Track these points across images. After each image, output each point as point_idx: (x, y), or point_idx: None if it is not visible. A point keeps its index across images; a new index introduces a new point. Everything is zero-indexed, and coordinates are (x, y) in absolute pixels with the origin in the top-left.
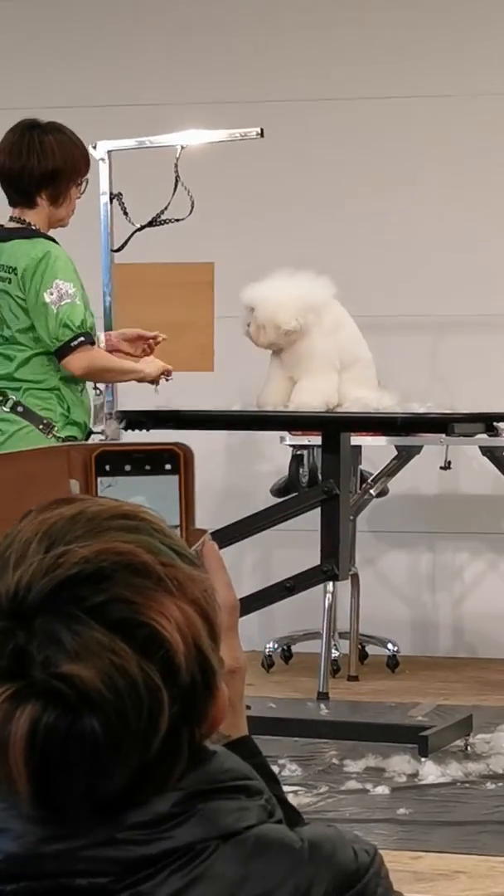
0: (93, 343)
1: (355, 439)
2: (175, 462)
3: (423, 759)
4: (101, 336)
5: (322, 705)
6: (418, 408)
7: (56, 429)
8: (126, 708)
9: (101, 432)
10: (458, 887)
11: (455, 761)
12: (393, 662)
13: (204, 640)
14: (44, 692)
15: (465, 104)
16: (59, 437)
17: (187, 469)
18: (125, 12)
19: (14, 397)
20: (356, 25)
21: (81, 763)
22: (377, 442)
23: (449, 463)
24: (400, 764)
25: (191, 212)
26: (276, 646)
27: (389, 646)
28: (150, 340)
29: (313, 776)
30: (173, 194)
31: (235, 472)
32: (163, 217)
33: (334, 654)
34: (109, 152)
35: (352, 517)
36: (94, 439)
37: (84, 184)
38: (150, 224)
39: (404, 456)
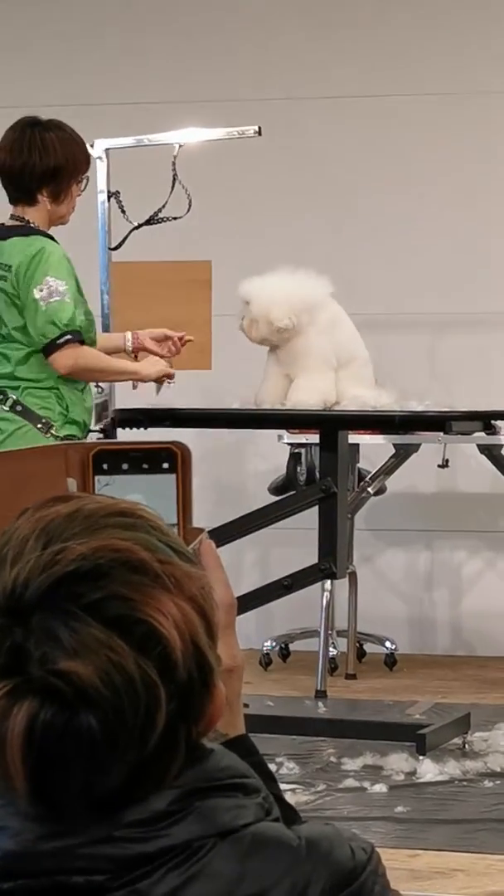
0: (82, 342)
1: (353, 437)
2: (172, 461)
3: (420, 758)
4: (128, 335)
5: (320, 703)
6: (416, 406)
7: (55, 428)
8: (123, 705)
9: (101, 430)
10: (456, 885)
11: (453, 759)
12: (391, 660)
13: (201, 638)
14: (41, 689)
15: (466, 103)
16: (57, 437)
17: (185, 468)
18: (124, 11)
19: (13, 396)
20: (354, 24)
21: (78, 760)
22: (375, 440)
23: (447, 461)
24: (398, 762)
25: (188, 210)
26: (274, 644)
27: (387, 644)
28: (177, 340)
29: (311, 774)
30: (171, 192)
31: (233, 471)
32: (160, 215)
33: (332, 652)
34: (107, 150)
35: (349, 515)
36: (93, 438)
37: (85, 181)
38: (148, 222)
39: (402, 454)
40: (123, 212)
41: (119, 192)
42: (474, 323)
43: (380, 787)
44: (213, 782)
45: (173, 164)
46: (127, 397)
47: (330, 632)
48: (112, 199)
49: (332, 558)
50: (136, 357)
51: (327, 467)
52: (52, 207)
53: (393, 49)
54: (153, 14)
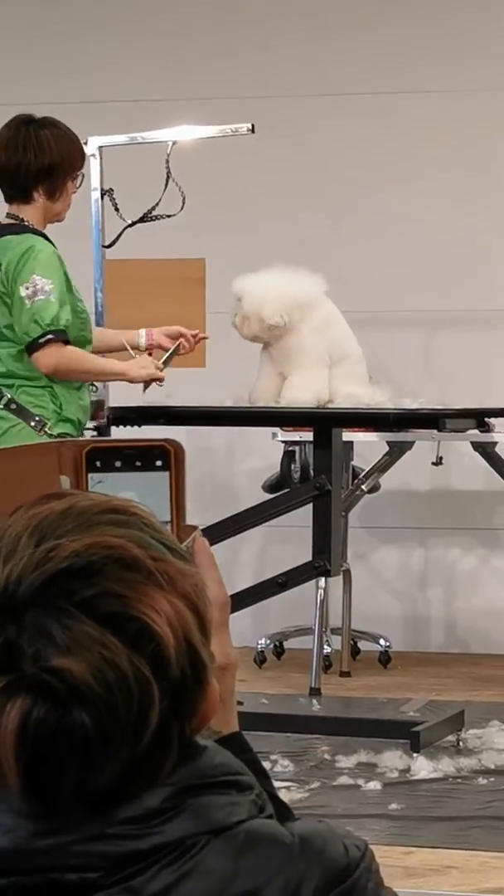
0: (66, 342)
1: (347, 435)
2: (166, 458)
3: (414, 755)
4: (142, 332)
5: (314, 701)
6: (410, 404)
7: (48, 426)
8: (116, 702)
9: (95, 428)
10: (450, 882)
11: (447, 757)
12: (385, 658)
13: (194, 635)
14: (34, 686)
15: (461, 100)
16: (51, 434)
17: (178, 465)
18: (118, 9)
19: (8, 394)
20: (349, 21)
21: (72, 757)
22: (369, 438)
23: (440, 459)
24: (392, 759)
25: (182, 207)
26: (268, 642)
27: (381, 641)
28: (191, 337)
29: (305, 772)
30: (164, 190)
31: (227, 468)
32: (154, 213)
33: (326, 649)
34: (100, 148)
35: (343, 513)
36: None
37: (80, 178)
38: (142, 220)
39: (396, 452)
40: (117, 209)
41: (112, 190)
42: (468, 320)
43: (374, 785)
44: (206, 779)
45: (167, 161)
46: (121, 395)
47: (324, 629)
48: (105, 197)
49: (326, 556)
50: (150, 354)
51: (321, 465)
52: (47, 205)
53: (391, 47)
54: (148, 12)
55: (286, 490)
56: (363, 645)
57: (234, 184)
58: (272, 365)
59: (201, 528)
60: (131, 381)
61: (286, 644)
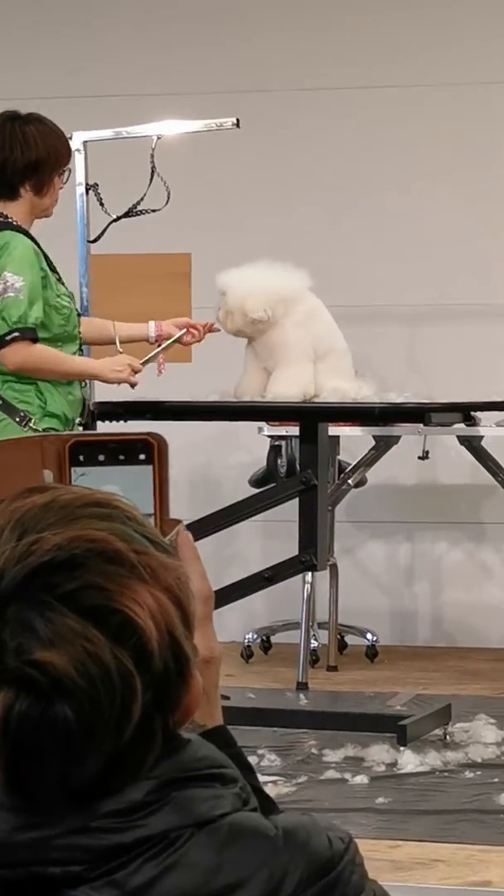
0: (34, 339)
1: (333, 429)
2: (149, 452)
3: (401, 749)
4: (151, 325)
5: (301, 695)
6: (396, 398)
7: (33, 421)
8: (99, 695)
9: (80, 424)
10: (437, 876)
11: (434, 750)
12: (372, 652)
13: (177, 628)
14: (16, 679)
15: (443, 95)
16: (36, 430)
17: (161, 459)
18: (104, 5)
19: None
20: (335, 15)
21: (54, 750)
22: (355, 432)
23: (427, 453)
24: (379, 753)
25: (167, 202)
26: (255, 636)
27: (368, 636)
28: (201, 327)
29: (292, 766)
30: (149, 185)
31: (214, 463)
32: (139, 208)
33: (313, 644)
34: (85, 143)
35: (330, 507)
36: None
37: (67, 173)
38: (127, 215)
39: (382, 446)
40: (102, 204)
41: (97, 185)
42: (454, 314)
43: (361, 779)
44: (190, 773)
45: (151, 156)
46: (107, 390)
47: (311, 624)
48: (90, 192)
49: (312, 550)
50: (159, 346)
51: (307, 459)
52: (34, 201)
53: (372, 39)
54: (132, 6)
55: (272, 485)
56: (350, 639)
57: (220, 178)
58: (257, 360)
59: (187, 522)
60: (104, 381)
61: (273, 638)
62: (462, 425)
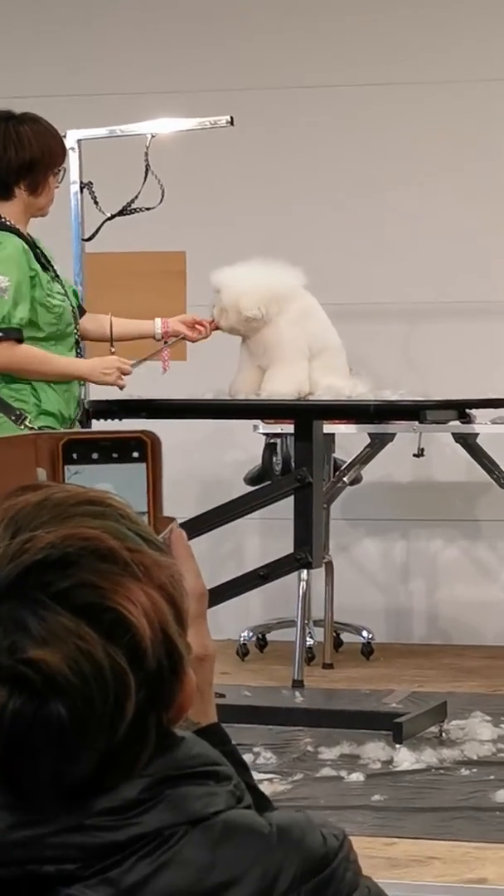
0: (19, 340)
1: (328, 427)
2: (142, 450)
3: (397, 746)
4: (157, 322)
5: (297, 693)
6: (391, 395)
7: (28, 419)
8: (92, 693)
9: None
10: (433, 873)
11: (429, 748)
12: (367, 650)
13: (170, 626)
14: (10, 678)
15: (439, 92)
16: (31, 428)
17: (154, 456)
18: (99, 3)
19: None
20: (328, 14)
21: (48, 748)
22: (350, 430)
23: (422, 450)
24: (374, 751)
25: (161, 200)
26: (250, 634)
27: (364, 633)
28: (207, 323)
29: (288, 764)
30: (143, 183)
31: (209, 461)
32: (133, 206)
33: (309, 641)
34: (79, 141)
35: (325, 505)
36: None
37: (62, 172)
38: (121, 213)
39: (377, 443)
40: (96, 203)
41: (92, 183)
42: (449, 312)
43: (356, 776)
44: (183, 770)
45: (146, 154)
46: (102, 388)
47: (307, 621)
48: (85, 190)
49: (308, 548)
50: (165, 342)
51: (302, 457)
52: (29, 200)
53: (366, 37)
54: (127, 6)
55: (268, 482)
56: (346, 637)
57: (214, 177)
58: (251, 358)
59: (184, 520)
60: (93, 382)
61: (269, 636)
62: (457, 422)
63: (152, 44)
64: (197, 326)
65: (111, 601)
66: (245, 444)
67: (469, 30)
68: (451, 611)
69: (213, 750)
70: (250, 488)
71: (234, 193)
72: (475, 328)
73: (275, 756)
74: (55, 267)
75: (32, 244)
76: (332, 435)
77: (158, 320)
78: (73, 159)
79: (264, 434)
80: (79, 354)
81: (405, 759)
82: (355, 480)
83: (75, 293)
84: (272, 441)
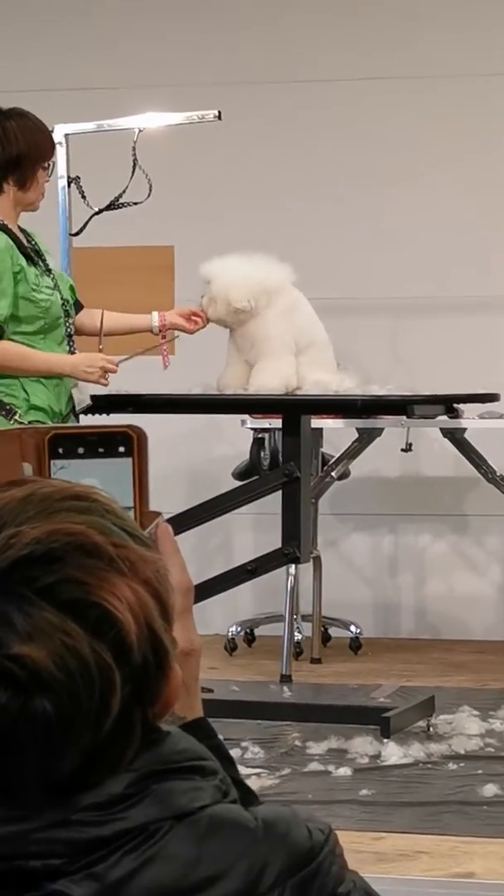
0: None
1: (316, 422)
2: (128, 444)
3: (385, 741)
4: (155, 315)
5: (285, 688)
6: (378, 390)
7: (18, 414)
8: (78, 688)
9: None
10: (420, 867)
11: (417, 742)
12: (356, 644)
13: (156, 621)
14: None
15: (425, 87)
16: (21, 423)
17: (140, 451)
18: None
19: None
20: (316, 7)
21: (33, 744)
22: (338, 424)
23: (410, 445)
24: (362, 745)
25: (149, 195)
26: (238, 629)
27: (352, 628)
28: (204, 315)
29: (276, 758)
30: (131, 178)
31: (197, 456)
32: (121, 200)
33: (297, 636)
34: (67, 136)
35: (313, 500)
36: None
37: (51, 167)
38: (109, 208)
39: (365, 438)
40: (84, 197)
41: (79, 178)
42: (436, 307)
43: (344, 771)
44: (169, 765)
45: (133, 148)
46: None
47: (295, 616)
48: (72, 185)
49: (295, 543)
50: (163, 336)
51: (290, 452)
52: (18, 195)
53: (351, 31)
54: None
55: (256, 477)
56: (334, 631)
57: (202, 171)
58: (239, 353)
59: (170, 515)
60: (77, 378)
61: (257, 631)
62: (445, 417)
63: (140, 38)
64: (193, 318)
65: (96, 597)
66: (233, 438)
67: (467, 23)
68: (439, 605)
69: (199, 745)
70: (238, 483)
71: (222, 188)
72: (463, 323)
73: (262, 751)
74: (48, 261)
75: (26, 238)
76: (320, 430)
77: (155, 313)
78: (60, 154)
79: (252, 429)
80: (71, 349)
81: (393, 753)
82: (343, 475)
83: (72, 288)
84: (260, 436)
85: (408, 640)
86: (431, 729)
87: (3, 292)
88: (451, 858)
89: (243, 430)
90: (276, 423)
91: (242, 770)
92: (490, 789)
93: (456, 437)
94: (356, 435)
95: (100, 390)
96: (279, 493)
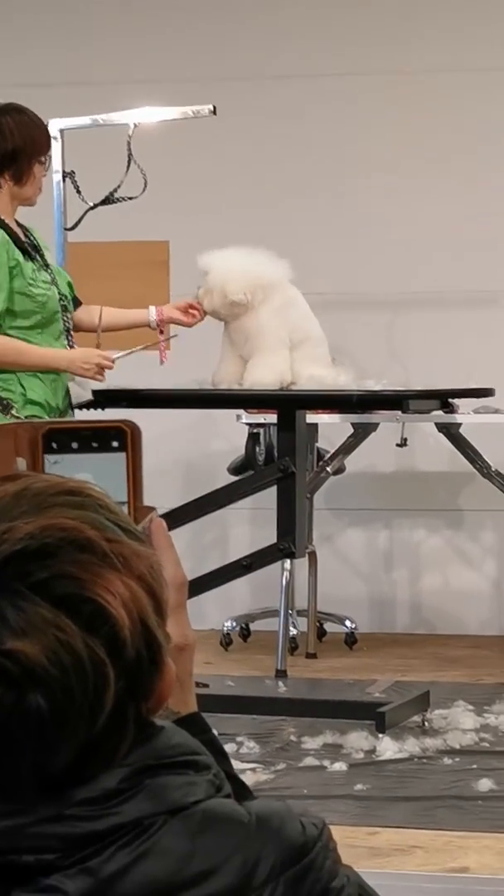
0: None
1: (311, 417)
2: (122, 439)
3: (380, 736)
4: (152, 310)
5: (280, 683)
6: (374, 385)
7: (15, 409)
8: (71, 684)
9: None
10: (415, 862)
11: (412, 737)
12: (351, 639)
13: (150, 616)
14: None
15: (422, 81)
16: (18, 417)
17: (134, 446)
18: None
19: None
20: (312, 2)
21: (27, 740)
22: (333, 420)
23: (405, 440)
24: (357, 740)
25: (144, 190)
26: (234, 624)
27: (347, 623)
28: (201, 308)
29: (271, 753)
30: (126, 172)
31: (192, 451)
32: (116, 195)
33: (292, 631)
34: (62, 131)
35: (308, 495)
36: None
37: (48, 161)
38: (104, 202)
39: (360, 433)
40: (79, 192)
41: (74, 172)
42: (432, 302)
43: (339, 766)
44: (163, 760)
45: (128, 143)
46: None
47: (290, 611)
48: (67, 180)
49: (291, 538)
50: (161, 331)
51: (285, 447)
52: (14, 190)
53: (345, 26)
54: None
55: (251, 472)
56: (329, 626)
57: (197, 166)
58: (233, 348)
59: (167, 510)
60: (73, 373)
61: (252, 626)
62: (440, 412)
63: (136, 33)
64: (190, 311)
65: (90, 592)
66: (228, 434)
67: (465, 18)
68: (434, 600)
69: (193, 739)
70: (233, 478)
71: (217, 183)
72: (458, 318)
73: (258, 746)
74: (47, 256)
75: (23, 233)
76: (316, 425)
77: (153, 308)
78: (55, 148)
79: (247, 424)
80: (69, 344)
81: (388, 748)
82: (338, 470)
83: (70, 284)
84: (255, 431)
85: (403, 635)
86: (426, 724)
87: (1, 287)
88: (446, 853)
89: (238, 426)
90: (272, 418)
91: (237, 765)
92: (485, 784)
93: (451, 431)
94: (351, 430)
95: (95, 386)
96: (274, 489)
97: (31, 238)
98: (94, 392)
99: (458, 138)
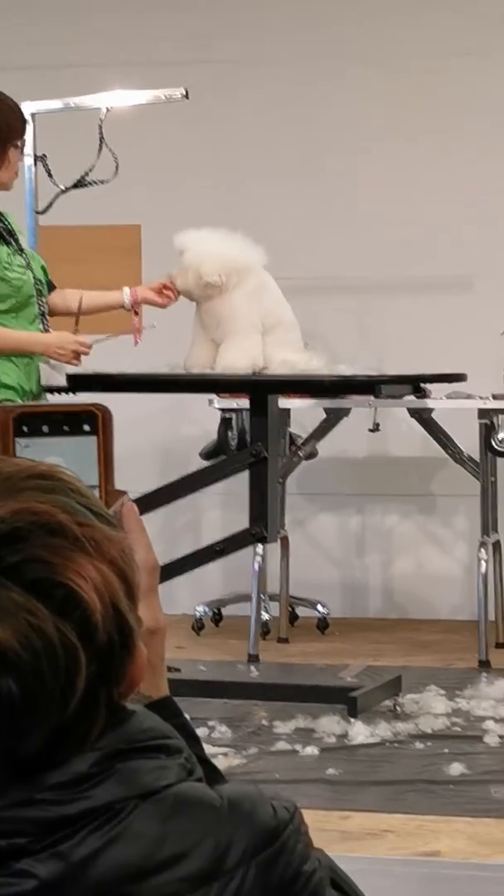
0: None
1: (284, 402)
2: (93, 423)
3: (352, 720)
4: (126, 291)
5: (252, 667)
6: (346, 370)
7: None
8: (43, 668)
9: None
10: (387, 846)
11: (384, 721)
12: (323, 624)
13: (121, 600)
14: None
15: (394, 68)
16: None
17: (106, 430)
18: None
19: None
20: None
21: None
22: (305, 404)
23: (377, 425)
24: (329, 725)
25: (115, 173)
26: (206, 609)
27: (319, 608)
28: (174, 289)
29: (243, 738)
30: (98, 156)
31: (164, 436)
32: (88, 179)
33: (264, 616)
34: (34, 114)
35: (281, 480)
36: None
37: (23, 145)
38: (76, 186)
39: (333, 418)
40: (50, 175)
41: (46, 156)
42: (404, 287)
43: (311, 750)
44: (134, 744)
45: (100, 127)
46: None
47: (262, 596)
48: (39, 163)
49: (263, 523)
50: (135, 313)
51: (258, 432)
52: None
53: (320, 13)
54: None
55: (223, 457)
56: (301, 611)
57: (169, 150)
58: (205, 332)
59: (140, 495)
60: (50, 357)
61: (224, 611)
62: (412, 397)
63: (107, 16)
64: (164, 292)
65: (61, 576)
66: (200, 418)
67: (439, 4)
68: (406, 585)
69: (165, 723)
70: (206, 463)
71: (189, 167)
72: (430, 303)
73: (230, 730)
74: (21, 241)
75: None
76: (288, 410)
77: (126, 289)
78: (27, 132)
79: (220, 409)
80: (45, 328)
81: (360, 732)
82: (311, 455)
83: (44, 268)
84: (227, 416)
85: (375, 620)
86: (398, 708)
87: None
88: (418, 837)
89: (211, 410)
90: (244, 402)
91: (209, 749)
92: (456, 768)
93: (423, 417)
94: (324, 415)
95: (69, 370)
96: (247, 473)
97: (6, 222)
98: (67, 377)
99: (426, 122)
